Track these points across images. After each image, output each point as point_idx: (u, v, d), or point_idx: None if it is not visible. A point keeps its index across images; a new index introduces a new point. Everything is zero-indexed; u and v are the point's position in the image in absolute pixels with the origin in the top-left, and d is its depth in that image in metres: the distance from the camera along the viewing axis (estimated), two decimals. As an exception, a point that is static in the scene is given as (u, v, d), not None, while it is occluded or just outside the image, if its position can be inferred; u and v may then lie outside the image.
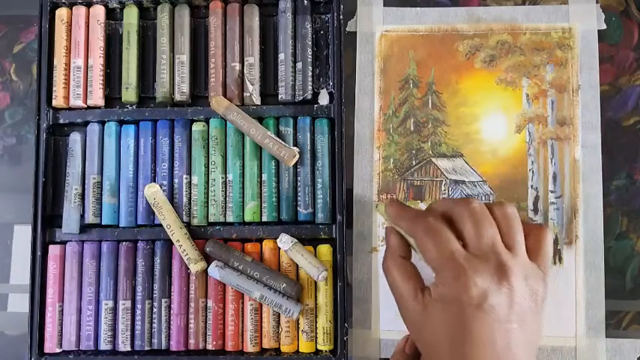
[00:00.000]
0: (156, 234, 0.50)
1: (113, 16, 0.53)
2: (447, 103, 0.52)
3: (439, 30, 0.53)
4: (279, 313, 0.48)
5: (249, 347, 0.48)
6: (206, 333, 0.49)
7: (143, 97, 0.52)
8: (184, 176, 0.50)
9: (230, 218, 0.50)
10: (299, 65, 0.51)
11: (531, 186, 0.51)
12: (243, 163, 0.50)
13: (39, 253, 0.49)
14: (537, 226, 0.38)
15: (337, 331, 0.48)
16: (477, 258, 0.34)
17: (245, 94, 0.51)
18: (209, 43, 0.51)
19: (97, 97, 0.51)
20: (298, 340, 0.49)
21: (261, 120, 0.50)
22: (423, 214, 0.37)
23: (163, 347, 0.49)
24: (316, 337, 0.49)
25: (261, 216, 0.50)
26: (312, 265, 0.47)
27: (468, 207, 0.36)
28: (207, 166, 0.50)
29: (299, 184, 0.50)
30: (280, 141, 0.49)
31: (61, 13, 0.51)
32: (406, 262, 0.38)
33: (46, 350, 0.49)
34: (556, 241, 0.51)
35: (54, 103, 0.51)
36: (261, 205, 0.50)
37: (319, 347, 0.49)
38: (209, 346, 0.49)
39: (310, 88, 0.51)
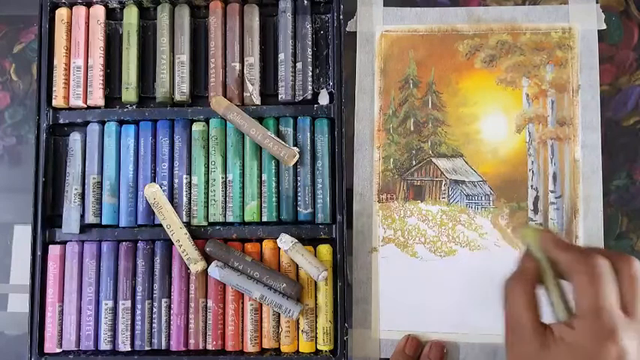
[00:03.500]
0: (156, 234, 0.50)
1: (113, 16, 0.53)
2: (447, 103, 0.52)
3: (439, 30, 0.53)
4: (279, 313, 0.48)
5: (249, 347, 0.48)
6: (206, 333, 0.49)
7: (143, 97, 0.52)
8: (184, 176, 0.50)
9: (230, 218, 0.50)
10: (299, 65, 0.51)
11: (531, 186, 0.51)
12: (243, 163, 0.50)
13: (39, 253, 0.49)
14: None
15: (337, 331, 0.48)
16: (629, 319, 0.35)
17: (245, 94, 0.51)
18: (209, 43, 0.51)
19: (97, 97, 0.51)
20: (298, 340, 0.49)
21: (261, 120, 0.50)
22: (590, 253, 0.37)
23: (163, 347, 0.49)
24: (316, 337, 0.49)
25: (261, 216, 0.50)
26: (312, 265, 0.47)
27: (631, 267, 0.36)
28: (207, 166, 0.50)
29: (299, 184, 0.50)
30: (280, 141, 0.49)
31: (61, 13, 0.51)
32: (534, 291, 0.38)
33: (46, 350, 0.49)
34: (556, 241, 0.51)
35: (54, 103, 0.51)
36: (261, 205, 0.50)
37: (319, 347, 0.49)
38: (209, 346, 0.49)
39: (310, 88, 0.51)
